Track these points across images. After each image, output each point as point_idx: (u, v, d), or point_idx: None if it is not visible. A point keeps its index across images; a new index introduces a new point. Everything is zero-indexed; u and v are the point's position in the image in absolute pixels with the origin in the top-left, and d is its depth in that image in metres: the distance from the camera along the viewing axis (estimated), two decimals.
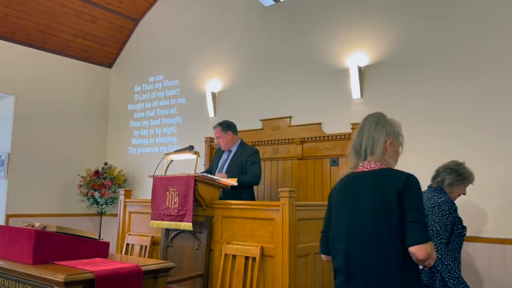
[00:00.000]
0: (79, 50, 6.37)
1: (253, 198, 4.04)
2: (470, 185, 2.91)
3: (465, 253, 3.41)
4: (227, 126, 4.07)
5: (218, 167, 4.09)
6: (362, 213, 1.69)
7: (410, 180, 1.66)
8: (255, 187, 4.16)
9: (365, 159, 1.80)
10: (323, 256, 1.96)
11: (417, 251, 1.56)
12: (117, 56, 6.78)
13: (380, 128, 1.81)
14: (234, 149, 4.07)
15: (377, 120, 1.83)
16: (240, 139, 4.16)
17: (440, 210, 2.67)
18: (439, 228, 2.64)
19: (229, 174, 3.81)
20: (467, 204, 3.48)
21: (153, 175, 3.67)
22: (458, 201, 2.86)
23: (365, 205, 1.69)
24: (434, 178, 2.89)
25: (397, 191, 1.63)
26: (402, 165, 4.01)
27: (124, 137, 6.43)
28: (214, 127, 4.13)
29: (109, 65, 6.84)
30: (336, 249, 1.78)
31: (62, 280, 1.82)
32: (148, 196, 4.09)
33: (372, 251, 1.64)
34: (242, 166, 3.92)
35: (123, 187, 5.73)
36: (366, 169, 1.78)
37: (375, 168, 1.76)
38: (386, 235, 1.61)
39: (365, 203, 1.70)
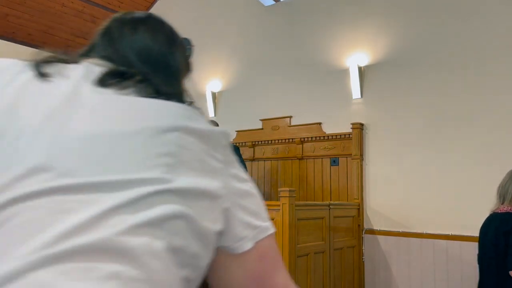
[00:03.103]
0: (80, 50, 6.37)
1: None
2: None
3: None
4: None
5: None
6: (484, 243, 2.56)
7: None
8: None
9: (502, 204, 2.52)
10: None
11: None
12: None
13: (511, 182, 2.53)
14: None
15: (511, 175, 2.56)
16: None
17: None
18: None
19: None
20: (470, 204, 3.49)
21: None
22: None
23: (485, 238, 2.55)
24: None
25: (503, 231, 2.40)
26: (400, 164, 4.00)
27: None
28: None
29: None
30: (479, 261, 2.67)
31: None
32: None
33: (487, 268, 2.52)
34: None
35: None
36: (499, 211, 2.52)
37: (503, 211, 2.49)
38: (494, 260, 2.44)
39: (487, 237, 2.54)
